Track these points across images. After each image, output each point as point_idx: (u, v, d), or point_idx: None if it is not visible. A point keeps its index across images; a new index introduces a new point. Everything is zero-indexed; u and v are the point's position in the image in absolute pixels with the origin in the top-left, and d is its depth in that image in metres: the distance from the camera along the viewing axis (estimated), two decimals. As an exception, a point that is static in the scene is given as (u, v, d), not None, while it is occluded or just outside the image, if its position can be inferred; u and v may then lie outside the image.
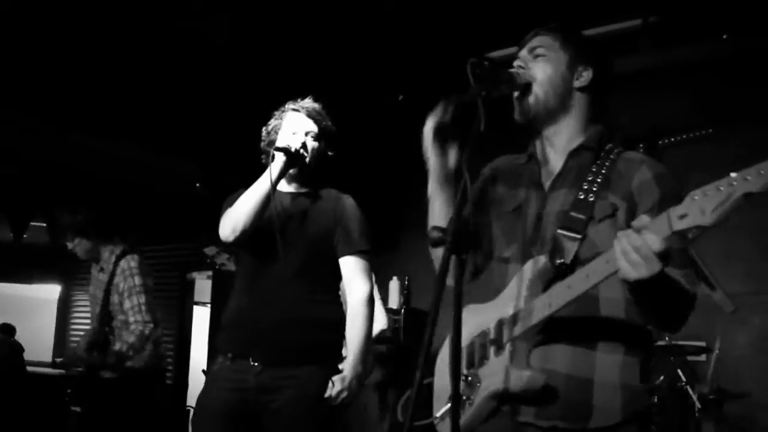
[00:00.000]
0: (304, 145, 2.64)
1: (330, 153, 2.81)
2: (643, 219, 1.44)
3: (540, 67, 1.84)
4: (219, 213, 2.73)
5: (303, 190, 2.78)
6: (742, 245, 4.31)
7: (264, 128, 2.81)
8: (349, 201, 2.78)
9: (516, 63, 1.87)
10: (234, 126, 3.12)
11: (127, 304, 4.08)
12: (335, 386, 2.51)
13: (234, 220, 2.58)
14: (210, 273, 6.78)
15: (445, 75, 4.96)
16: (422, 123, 1.85)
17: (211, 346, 6.69)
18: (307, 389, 2.50)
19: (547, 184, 1.85)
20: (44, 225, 6.94)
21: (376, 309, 2.78)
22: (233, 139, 3.01)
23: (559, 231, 1.74)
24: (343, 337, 2.75)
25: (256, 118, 2.90)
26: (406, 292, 5.27)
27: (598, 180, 1.75)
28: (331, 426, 2.59)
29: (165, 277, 7.38)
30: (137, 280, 4.12)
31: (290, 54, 4.97)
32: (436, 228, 1.56)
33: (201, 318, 7.33)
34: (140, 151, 6.01)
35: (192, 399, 6.77)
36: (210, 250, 7.00)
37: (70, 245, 4.24)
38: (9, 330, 9.05)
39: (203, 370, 6.21)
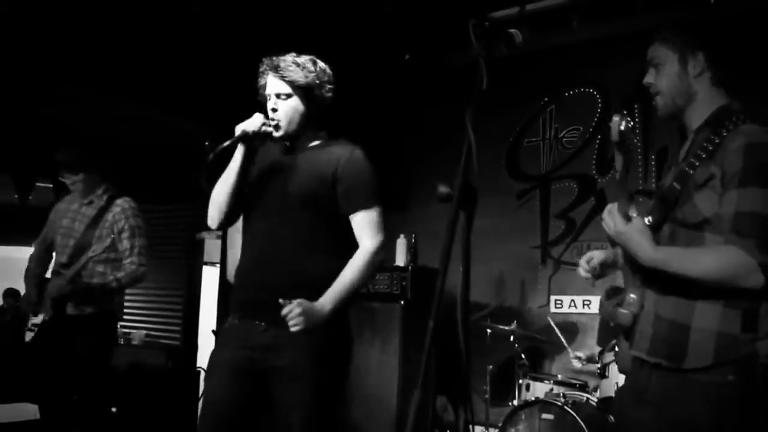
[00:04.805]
0: (264, 122, 2.59)
1: (316, 104, 2.66)
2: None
3: (659, 78, 2.14)
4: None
5: (311, 144, 2.73)
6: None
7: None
8: (355, 154, 2.67)
9: (645, 81, 2.17)
10: (241, 82, 3.10)
11: (126, 244, 4.10)
12: (295, 308, 2.45)
13: (212, 209, 2.71)
14: (219, 233, 6.79)
15: (450, 34, 4.93)
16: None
17: (220, 306, 6.74)
18: (309, 348, 2.51)
19: (682, 157, 2.13)
20: (50, 186, 6.93)
21: None
22: (241, 95, 2.98)
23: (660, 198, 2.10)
24: None
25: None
26: (413, 250, 5.30)
27: (710, 149, 2.00)
28: (334, 384, 2.61)
29: (173, 237, 7.36)
30: (140, 221, 4.17)
31: (298, 7, 4.92)
32: (443, 184, 1.61)
33: (211, 278, 7.35)
34: (148, 110, 5.98)
35: (201, 360, 6.83)
36: (200, 236, 7.05)
37: (70, 180, 4.20)
38: (15, 294, 9.08)
39: (213, 331, 6.27)
